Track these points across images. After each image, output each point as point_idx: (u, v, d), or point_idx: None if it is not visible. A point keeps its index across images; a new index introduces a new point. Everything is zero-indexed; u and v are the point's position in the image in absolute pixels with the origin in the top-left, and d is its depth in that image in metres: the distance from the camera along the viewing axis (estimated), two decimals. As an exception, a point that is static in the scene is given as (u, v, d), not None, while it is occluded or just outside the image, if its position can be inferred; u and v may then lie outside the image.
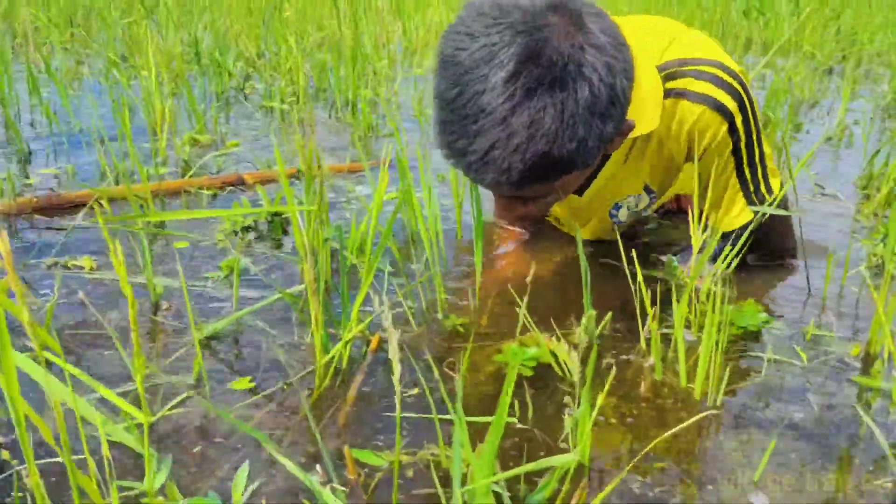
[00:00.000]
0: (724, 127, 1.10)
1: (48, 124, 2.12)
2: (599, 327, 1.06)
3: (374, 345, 1.03)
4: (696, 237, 0.99)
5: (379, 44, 3.38)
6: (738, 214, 1.20)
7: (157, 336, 1.02)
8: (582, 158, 0.87)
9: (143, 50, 2.90)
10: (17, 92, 2.20)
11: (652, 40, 1.12)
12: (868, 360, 1.04)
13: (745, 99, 1.10)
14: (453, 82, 0.84)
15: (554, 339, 1.00)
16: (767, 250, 1.29)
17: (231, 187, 1.65)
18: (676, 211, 1.57)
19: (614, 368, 0.99)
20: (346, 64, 2.52)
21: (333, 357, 0.92)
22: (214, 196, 1.61)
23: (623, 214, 1.28)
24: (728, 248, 1.11)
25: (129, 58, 2.97)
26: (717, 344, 0.90)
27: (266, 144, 2.04)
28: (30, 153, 1.86)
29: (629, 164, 1.18)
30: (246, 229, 1.41)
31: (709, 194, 1.19)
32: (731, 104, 1.09)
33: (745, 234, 1.15)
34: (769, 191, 1.18)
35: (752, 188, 1.17)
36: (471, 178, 0.90)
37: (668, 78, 1.10)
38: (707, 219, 1.21)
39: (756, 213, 1.17)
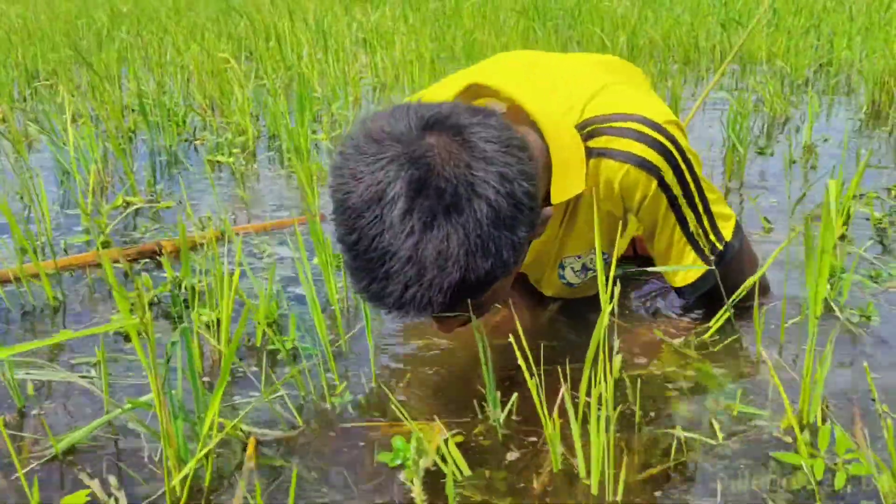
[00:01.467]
0: (654, 183, 1.04)
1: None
2: (505, 410, 0.97)
3: (250, 449, 0.94)
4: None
5: (347, 80, 3.32)
6: (692, 265, 1.13)
7: (14, 447, 0.94)
8: (502, 270, 0.82)
9: (96, 104, 2.85)
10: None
11: (574, 94, 1.07)
12: (803, 432, 0.93)
13: (674, 151, 1.03)
14: (350, 227, 0.80)
15: (442, 430, 0.91)
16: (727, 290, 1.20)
17: (148, 258, 1.57)
18: (633, 257, 1.47)
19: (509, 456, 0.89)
20: (296, 109, 2.45)
21: (188, 474, 0.83)
22: (125, 274, 1.53)
23: (570, 275, 1.20)
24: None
25: (82, 115, 2.91)
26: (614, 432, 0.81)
27: (208, 202, 1.96)
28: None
29: (564, 226, 1.12)
30: (150, 305, 1.32)
31: (655, 250, 1.13)
32: (658, 160, 1.03)
33: (704, 288, 1.10)
34: (720, 238, 1.12)
35: (700, 241, 1.11)
36: (394, 316, 0.86)
37: (588, 136, 1.04)
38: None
39: (709, 264, 1.11)
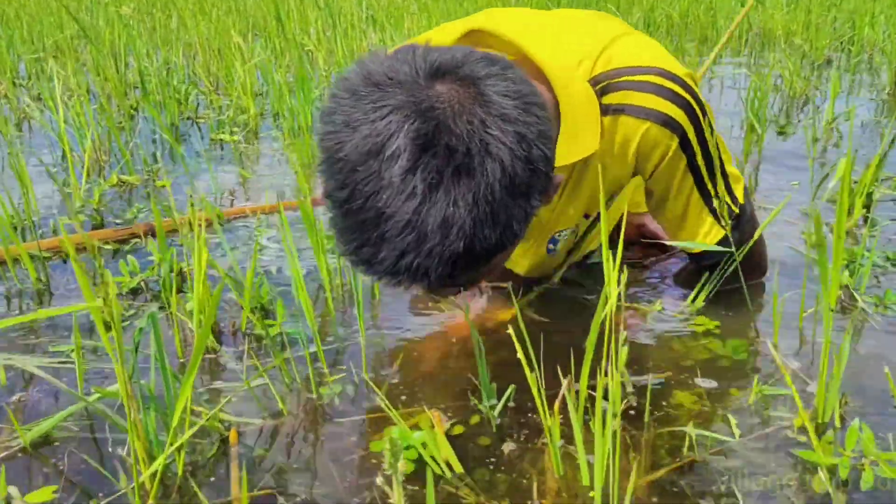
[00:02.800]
0: (675, 142, 0.95)
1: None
2: (500, 404, 0.90)
3: (233, 439, 0.88)
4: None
5: (355, 58, 3.24)
6: (709, 232, 1.06)
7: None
8: (510, 241, 0.73)
9: (99, 81, 2.80)
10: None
11: (584, 46, 0.97)
12: (818, 430, 0.87)
13: (696, 107, 0.95)
14: (341, 182, 0.70)
15: (438, 421, 0.85)
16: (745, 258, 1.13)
17: (137, 238, 1.51)
18: (636, 241, 1.40)
19: (506, 455, 0.83)
20: (297, 86, 2.38)
21: (160, 469, 0.77)
22: (117, 251, 1.47)
23: (561, 247, 1.12)
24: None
25: (81, 92, 2.85)
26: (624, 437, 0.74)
27: (207, 182, 1.90)
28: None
29: (565, 195, 1.03)
30: (135, 292, 1.27)
31: (668, 216, 1.05)
32: (681, 116, 0.94)
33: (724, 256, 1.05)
34: (734, 201, 1.05)
35: (716, 203, 1.03)
36: (383, 284, 0.75)
37: (604, 92, 0.95)
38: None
39: (725, 228, 1.05)
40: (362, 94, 0.69)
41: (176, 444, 0.78)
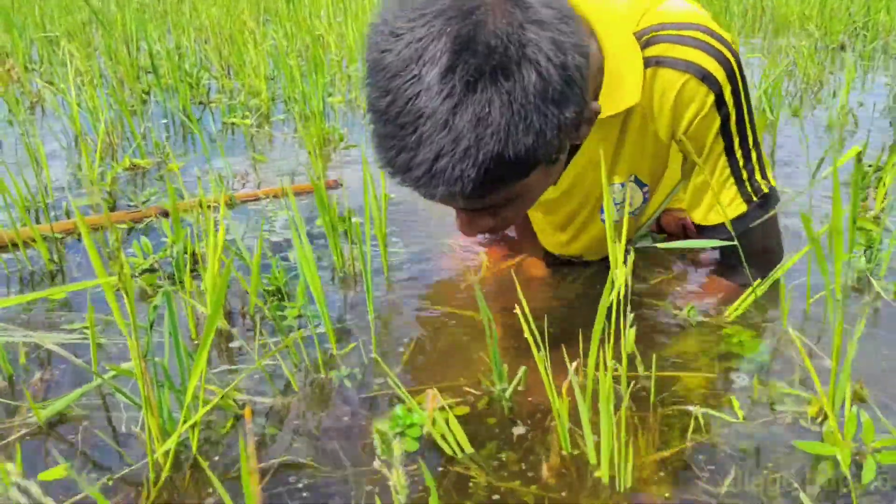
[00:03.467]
0: (711, 98, 0.94)
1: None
2: (511, 386, 0.91)
3: (248, 415, 0.89)
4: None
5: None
6: (730, 203, 1.03)
7: (3, 415, 0.90)
8: (543, 153, 0.74)
9: (110, 65, 2.80)
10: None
11: (626, 5, 0.96)
12: (828, 417, 0.87)
13: (736, 69, 0.94)
14: (383, 89, 0.71)
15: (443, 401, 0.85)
16: (746, 251, 1.09)
17: (151, 218, 1.52)
18: (658, 232, 1.39)
19: (516, 435, 0.83)
20: (310, 70, 2.38)
21: (173, 446, 0.78)
22: (130, 230, 1.48)
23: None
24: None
25: (93, 76, 2.86)
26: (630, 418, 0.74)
27: (218, 166, 1.91)
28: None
29: (613, 149, 1.02)
30: (149, 271, 1.28)
31: (692, 179, 1.03)
32: (720, 72, 0.93)
33: (739, 230, 1.02)
34: (765, 178, 1.03)
35: (744, 175, 1.01)
36: (421, 194, 0.77)
37: (646, 45, 0.94)
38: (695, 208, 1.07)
39: (750, 203, 1.02)
40: (407, 4, 0.71)
41: (190, 422, 0.79)
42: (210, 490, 0.77)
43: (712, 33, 0.93)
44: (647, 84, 0.95)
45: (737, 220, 1.04)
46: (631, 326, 0.81)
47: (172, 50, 2.99)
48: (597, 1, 0.94)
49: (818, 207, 1.53)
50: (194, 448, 0.82)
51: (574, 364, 0.86)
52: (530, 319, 0.82)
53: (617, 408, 0.81)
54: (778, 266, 1.05)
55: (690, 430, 0.84)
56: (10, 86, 2.86)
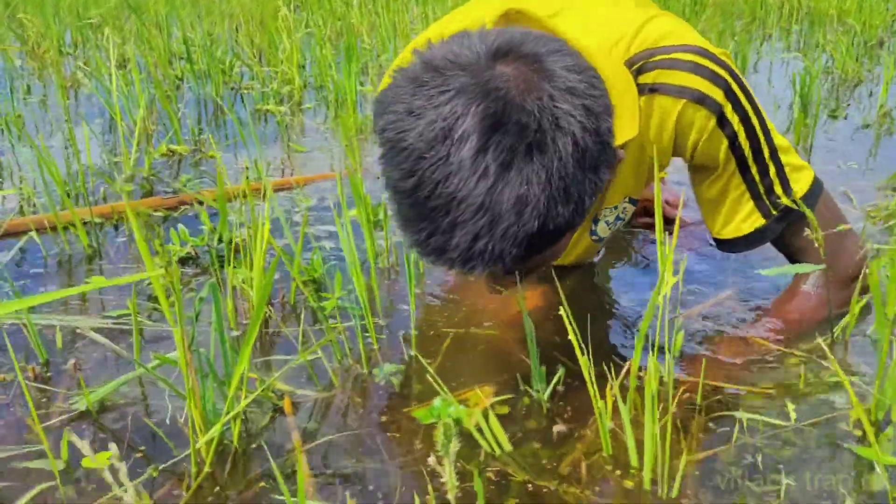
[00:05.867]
0: (713, 121, 0.92)
1: (12, 139, 2.04)
2: (551, 385, 0.90)
3: (288, 408, 0.90)
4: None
5: (397, 32, 3.23)
6: (746, 218, 1.00)
7: (42, 399, 0.91)
8: (579, 218, 0.73)
9: (143, 51, 2.82)
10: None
11: (618, 27, 0.94)
12: (875, 424, 0.86)
13: (734, 84, 0.92)
14: (407, 171, 0.69)
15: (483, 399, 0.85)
16: (824, 275, 1.04)
17: (187, 206, 1.53)
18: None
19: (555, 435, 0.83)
20: (344, 59, 2.38)
21: (216, 436, 0.79)
22: (165, 218, 1.49)
23: (602, 229, 1.11)
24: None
25: (129, 62, 2.88)
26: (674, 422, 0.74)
27: (252, 154, 1.91)
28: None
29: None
30: (184, 261, 1.28)
31: (706, 196, 1.01)
32: (716, 93, 0.91)
33: (759, 245, 0.99)
34: (787, 191, 0.98)
35: (761, 189, 0.98)
36: (453, 271, 0.76)
37: (639, 72, 0.92)
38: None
39: (769, 218, 0.99)
40: (423, 81, 0.69)
41: (232, 413, 0.79)
42: (252, 479, 0.77)
43: (703, 52, 0.91)
44: (643, 113, 0.93)
45: (755, 234, 1.01)
46: (678, 331, 0.80)
47: (205, 36, 3.00)
48: (582, 25, 0.92)
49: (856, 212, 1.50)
50: (235, 439, 0.82)
51: (624, 369, 0.86)
52: (572, 321, 0.82)
53: (662, 414, 0.80)
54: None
55: (735, 435, 0.83)
56: (44, 70, 2.89)
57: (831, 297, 1.04)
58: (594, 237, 1.12)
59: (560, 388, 0.91)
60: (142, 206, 1.48)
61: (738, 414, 0.85)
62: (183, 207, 1.53)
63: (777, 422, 0.85)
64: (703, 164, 0.98)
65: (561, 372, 0.91)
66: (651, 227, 1.39)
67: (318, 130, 2.17)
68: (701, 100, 0.91)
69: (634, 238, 1.38)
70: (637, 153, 0.98)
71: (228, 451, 0.82)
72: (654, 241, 1.33)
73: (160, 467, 0.79)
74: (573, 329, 0.79)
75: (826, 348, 0.85)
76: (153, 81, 2.26)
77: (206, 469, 0.79)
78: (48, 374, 0.96)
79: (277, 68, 2.66)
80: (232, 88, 2.65)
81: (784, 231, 1.01)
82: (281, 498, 0.74)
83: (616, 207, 1.07)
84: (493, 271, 0.74)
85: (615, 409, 0.83)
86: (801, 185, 0.99)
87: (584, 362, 0.79)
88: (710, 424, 0.85)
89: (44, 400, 0.91)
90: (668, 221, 1.37)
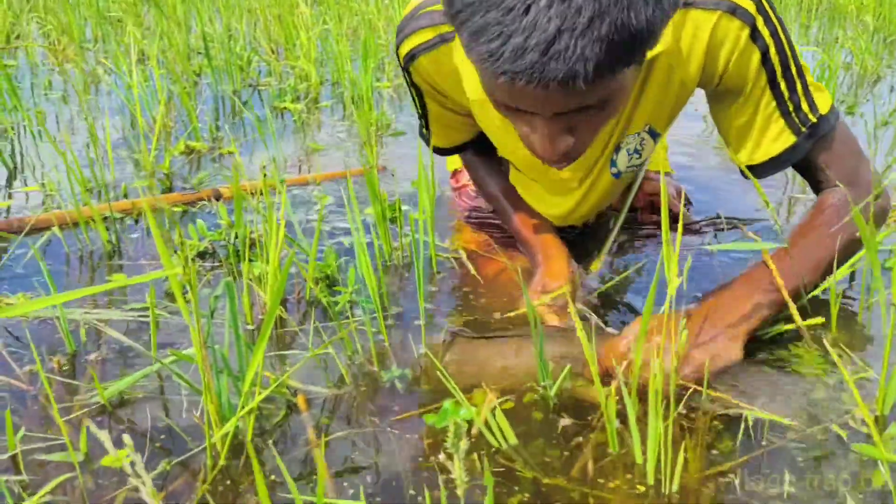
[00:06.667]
0: (746, 32, 0.93)
1: (34, 135, 2.07)
2: (557, 382, 0.92)
3: (303, 405, 0.91)
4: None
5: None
6: (777, 137, 1.01)
7: (64, 394, 0.93)
8: (653, 33, 0.70)
9: (162, 47, 2.85)
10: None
11: None
12: (879, 422, 0.86)
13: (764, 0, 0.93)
14: None
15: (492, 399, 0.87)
16: (834, 183, 1.04)
17: (205, 202, 1.56)
18: (630, 210, 1.41)
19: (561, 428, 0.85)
20: (363, 55, 2.39)
21: (231, 431, 0.81)
22: (184, 213, 1.52)
23: (622, 161, 1.12)
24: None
25: (149, 58, 2.92)
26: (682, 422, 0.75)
27: (269, 151, 1.94)
28: (15, 169, 1.80)
29: (634, 97, 1.02)
30: (202, 255, 1.31)
31: (735, 123, 1.01)
32: (749, 5, 0.92)
33: (788, 164, 0.99)
34: (813, 108, 0.99)
35: (790, 107, 0.99)
36: (531, 89, 0.71)
37: None
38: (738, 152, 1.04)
39: (799, 135, 0.99)
40: None
41: (247, 408, 0.81)
42: (266, 473, 0.79)
43: None
44: (675, 27, 0.93)
45: (787, 153, 1.01)
46: (683, 329, 0.81)
47: (223, 31, 3.03)
48: None
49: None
50: (249, 434, 0.84)
51: (623, 364, 0.87)
52: (576, 318, 0.83)
53: (666, 413, 0.81)
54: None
55: (741, 434, 0.84)
56: (65, 65, 2.93)
57: (858, 205, 1.01)
58: (613, 170, 1.13)
59: (567, 384, 0.93)
60: (161, 202, 1.50)
61: (745, 412, 0.86)
62: (201, 203, 1.55)
63: (782, 419, 0.86)
64: (732, 87, 0.98)
65: (567, 369, 0.93)
66: (658, 224, 1.40)
67: (335, 127, 2.19)
68: (734, 10, 0.92)
69: (643, 243, 1.39)
70: (664, 75, 0.99)
71: (243, 445, 0.84)
72: (660, 241, 1.34)
73: (176, 461, 0.81)
74: (587, 342, 0.80)
75: (831, 350, 0.86)
76: (171, 77, 2.29)
77: (221, 462, 0.81)
78: (73, 367, 0.99)
79: (295, 65, 2.68)
80: (250, 85, 2.67)
81: (811, 148, 1.01)
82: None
83: (638, 135, 1.07)
84: (568, 82, 0.69)
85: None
86: (823, 104, 1.00)
87: (591, 357, 0.81)
88: (714, 422, 0.86)
89: (66, 394, 0.94)
90: (674, 218, 1.38)
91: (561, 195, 1.20)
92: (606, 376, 0.90)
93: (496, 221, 1.43)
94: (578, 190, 1.17)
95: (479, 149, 1.28)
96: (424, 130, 1.27)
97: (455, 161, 1.58)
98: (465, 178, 1.55)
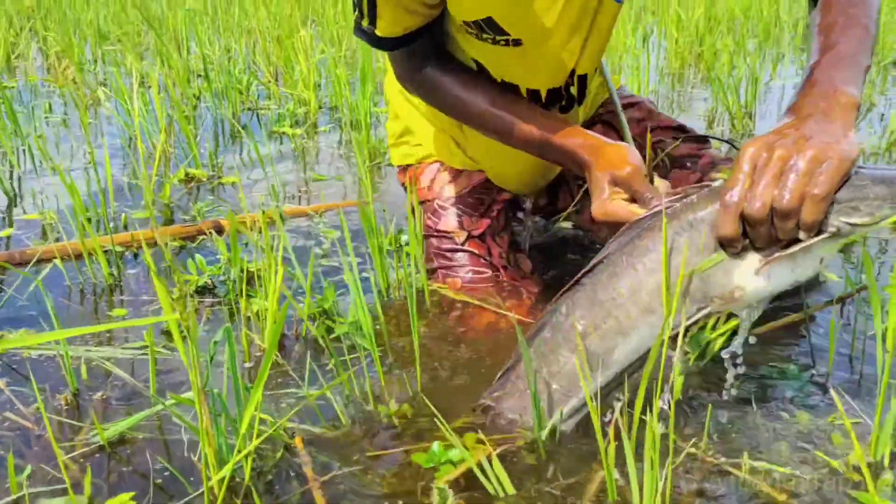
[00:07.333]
0: None
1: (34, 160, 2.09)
2: (548, 426, 0.93)
3: (300, 446, 0.92)
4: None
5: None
6: None
7: (64, 432, 0.95)
8: None
9: (161, 70, 2.87)
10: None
11: None
12: (874, 468, 0.88)
13: None
14: None
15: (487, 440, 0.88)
16: None
17: (203, 235, 1.57)
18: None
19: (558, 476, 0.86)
20: (362, 79, 2.41)
21: (228, 475, 0.82)
22: (182, 248, 1.53)
23: None
24: None
25: (149, 80, 2.94)
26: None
27: (268, 180, 1.95)
28: (15, 196, 1.82)
29: None
30: (201, 291, 1.32)
31: None
32: None
33: None
34: None
35: None
36: None
37: None
38: None
39: None
40: None
41: (244, 451, 0.82)
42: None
43: None
44: None
45: None
46: (680, 374, 0.83)
47: (222, 53, 3.06)
48: None
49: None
50: (247, 478, 0.85)
51: (619, 406, 0.88)
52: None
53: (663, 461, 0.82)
54: None
55: (741, 481, 0.85)
56: (65, 87, 2.95)
57: None
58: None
59: (561, 427, 0.94)
60: (162, 235, 1.51)
61: (743, 461, 0.87)
62: (201, 238, 1.57)
63: (778, 468, 0.87)
64: None
65: (561, 409, 0.94)
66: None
67: (333, 154, 2.20)
68: None
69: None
70: None
71: (240, 487, 0.85)
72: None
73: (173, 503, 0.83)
74: (581, 366, 0.82)
75: (832, 392, 0.87)
76: (171, 101, 2.30)
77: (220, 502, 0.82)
78: (76, 404, 1.00)
79: (293, 90, 2.70)
80: (249, 109, 2.69)
81: None
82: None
83: None
84: None
85: (618, 450, 0.86)
86: None
87: (590, 400, 0.82)
88: (712, 474, 0.87)
89: (71, 433, 0.95)
90: None
91: (555, 60, 1.09)
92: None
93: (464, 263, 1.34)
94: (574, 42, 1.08)
95: (436, 52, 1.13)
96: (365, 22, 1.06)
97: (402, 155, 1.42)
98: (425, 181, 1.38)
